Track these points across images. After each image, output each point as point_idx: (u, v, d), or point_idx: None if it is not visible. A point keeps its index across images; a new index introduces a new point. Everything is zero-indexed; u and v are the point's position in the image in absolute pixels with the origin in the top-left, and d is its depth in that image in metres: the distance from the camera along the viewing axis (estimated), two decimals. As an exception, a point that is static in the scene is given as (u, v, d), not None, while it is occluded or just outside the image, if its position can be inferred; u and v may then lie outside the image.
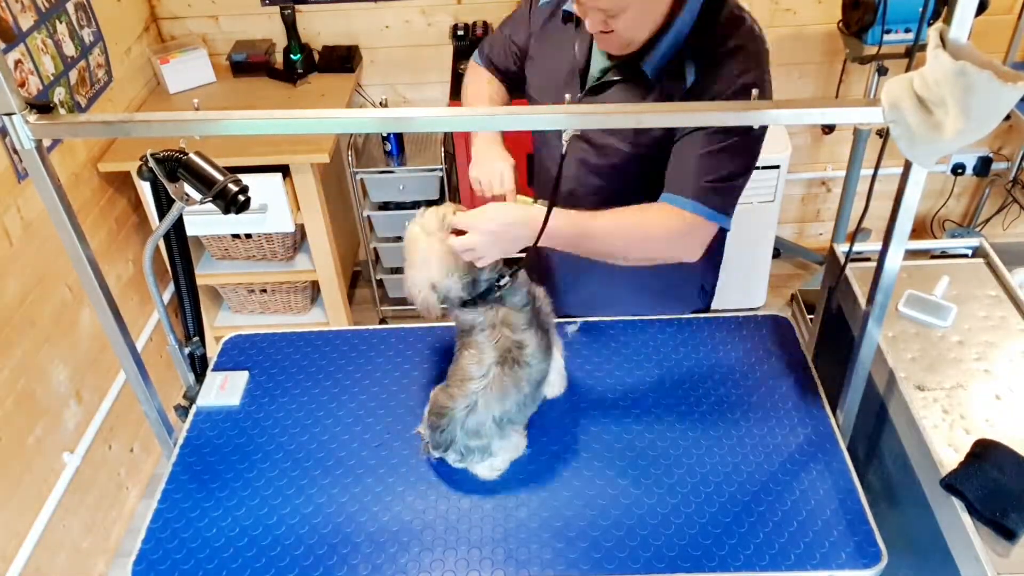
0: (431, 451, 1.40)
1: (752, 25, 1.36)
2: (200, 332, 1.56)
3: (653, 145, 1.40)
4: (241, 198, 1.19)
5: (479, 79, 1.68)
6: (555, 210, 1.26)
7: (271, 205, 2.47)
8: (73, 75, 2.29)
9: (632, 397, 1.52)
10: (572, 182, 1.53)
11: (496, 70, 1.66)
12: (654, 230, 1.36)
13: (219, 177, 1.18)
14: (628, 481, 1.37)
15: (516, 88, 1.66)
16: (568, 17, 1.47)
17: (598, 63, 1.45)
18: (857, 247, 1.51)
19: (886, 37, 2.42)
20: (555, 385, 1.50)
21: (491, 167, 1.48)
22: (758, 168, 2.97)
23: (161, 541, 1.32)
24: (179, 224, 1.40)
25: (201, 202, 1.19)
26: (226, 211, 1.20)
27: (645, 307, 1.69)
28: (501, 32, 1.64)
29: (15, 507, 1.98)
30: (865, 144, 2.76)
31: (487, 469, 1.38)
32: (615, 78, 1.41)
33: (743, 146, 1.34)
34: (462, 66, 2.70)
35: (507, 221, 1.31)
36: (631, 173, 1.47)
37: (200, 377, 1.60)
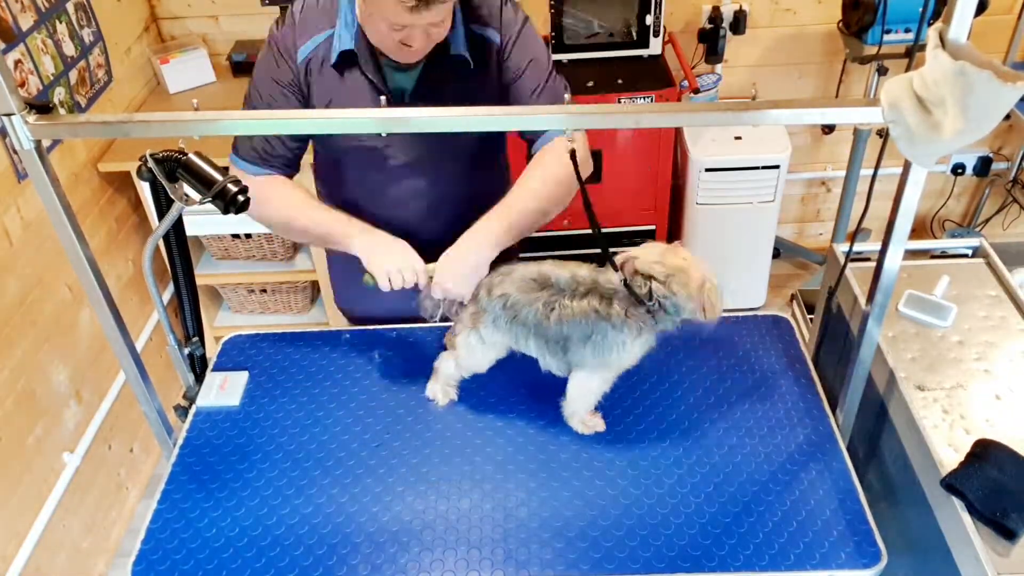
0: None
1: None
2: (200, 332, 1.56)
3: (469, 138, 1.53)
4: (240, 198, 1.19)
5: (280, 188, 1.52)
6: (487, 220, 1.44)
7: (271, 205, 2.47)
8: (73, 75, 2.29)
9: (632, 397, 1.52)
10: (418, 217, 1.58)
11: (271, 166, 1.51)
12: (562, 172, 1.45)
13: (218, 177, 1.18)
14: (628, 481, 1.37)
15: (290, 171, 1.56)
16: (342, 62, 1.42)
17: (404, 82, 1.45)
18: (857, 247, 1.51)
19: (886, 37, 2.43)
20: (568, 406, 1.45)
21: (394, 258, 1.44)
22: (758, 168, 2.98)
23: (161, 541, 1.32)
24: (179, 224, 1.40)
25: (200, 202, 1.19)
26: (225, 211, 1.20)
27: None
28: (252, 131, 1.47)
29: (15, 507, 1.98)
30: (865, 144, 2.76)
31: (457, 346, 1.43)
32: (427, 85, 1.44)
33: (550, 60, 1.52)
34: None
35: (466, 260, 1.42)
36: (459, 168, 1.59)
37: (200, 377, 1.60)
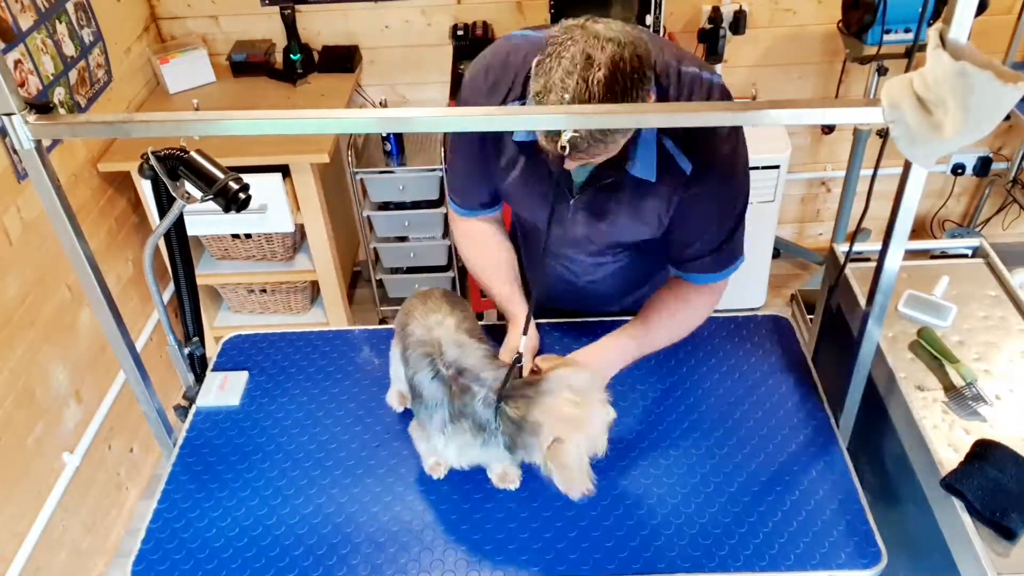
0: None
1: (700, 74, 1.28)
2: (200, 332, 1.56)
3: (631, 246, 1.48)
4: (242, 196, 1.19)
5: (488, 241, 1.57)
6: (618, 344, 1.43)
7: (271, 205, 2.47)
8: (73, 75, 2.29)
9: (632, 397, 1.52)
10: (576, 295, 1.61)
11: (490, 209, 1.55)
12: (700, 317, 1.51)
13: (220, 175, 1.18)
14: (628, 481, 1.37)
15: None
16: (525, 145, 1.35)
17: (579, 177, 1.36)
18: (857, 247, 1.51)
19: (886, 37, 2.43)
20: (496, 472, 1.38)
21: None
22: (758, 168, 2.98)
23: (161, 541, 1.32)
24: (179, 223, 1.40)
25: (202, 200, 1.19)
26: (227, 209, 1.20)
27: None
28: (474, 178, 1.50)
29: (15, 507, 1.98)
30: (865, 144, 2.76)
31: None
32: (605, 181, 1.33)
33: (740, 207, 1.39)
34: (462, 66, 2.70)
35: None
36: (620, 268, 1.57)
37: (200, 377, 1.60)
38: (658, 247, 1.47)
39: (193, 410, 1.55)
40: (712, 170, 1.30)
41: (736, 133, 1.31)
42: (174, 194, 1.23)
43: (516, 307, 1.51)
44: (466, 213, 1.56)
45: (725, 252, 1.41)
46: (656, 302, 1.48)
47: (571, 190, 1.38)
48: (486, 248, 1.58)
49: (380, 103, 2.96)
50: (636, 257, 1.55)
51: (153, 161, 1.18)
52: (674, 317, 1.48)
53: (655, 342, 1.48)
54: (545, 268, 1.60)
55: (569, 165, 1.26)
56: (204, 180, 1.19)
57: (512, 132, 1.36)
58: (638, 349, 1.46)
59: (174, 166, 1.19)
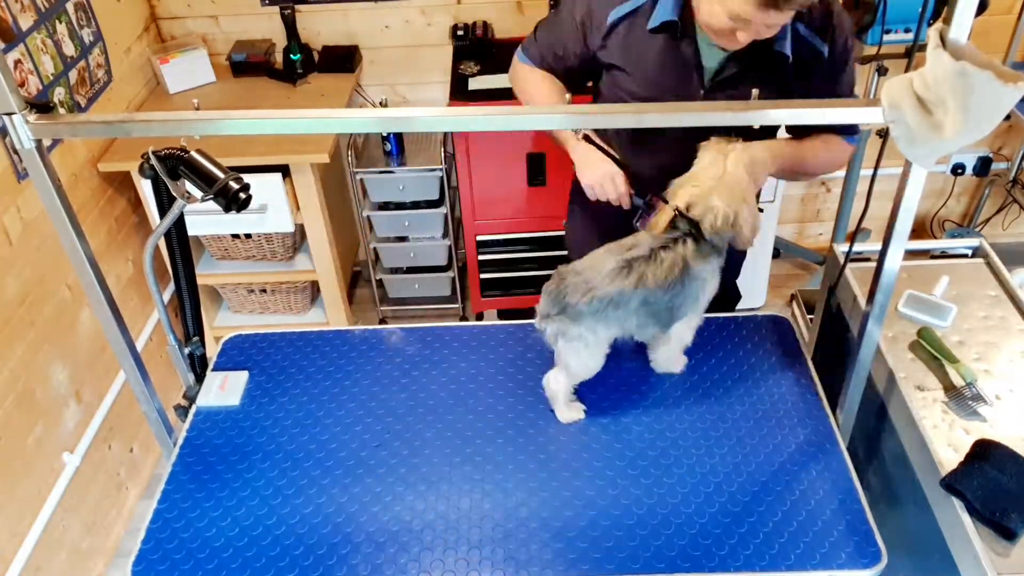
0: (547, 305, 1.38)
1: None
2: (200, 332, 1.56)
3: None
4: (242, 196, 1.19)
5: (538, 80, 1.64)
6: (779, 142, 1.50)
7: (271, 205, 2.47)
8: (73, 75, 2.29)
9: (632, 397, 1.52)
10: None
11: (551, 70, 1.64)
12: (836, 164, 1.63)
13: (220, 175, 1.18)
14: (628, 481, 1.37)
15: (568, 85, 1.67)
16: (660, 29, 1.47)
17: (712, 59, 1.48)
18: (857, 247, 1.51)
19: (886, 37, 2.42)
20: (672, 355, 1.53)
21: (602, 172, 1.53)
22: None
23: (161, 541, 1.32)
24: (180, 223, 1.40)
25: (202, 199, 1.19)
26: (227, 209, 1.20)
27: None
28: (548, 38, 1.62)
29: (15, 507, 1.98)
30: (865, 144, 2.75)
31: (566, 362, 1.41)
32: (736, 68, 1.46)
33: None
34: (462, 66, 2.70)
35: (767, 159, 1.46)
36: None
37: (200, 377, 1.60)
38: None
39: (193, 410, 1.55)
40: (844, 50, 1.47)
41: (840, 11, 1.48)
42: (174, 193, 1.23)
43: (576, 132, 1.55)
44: (532, 62, 1.64)
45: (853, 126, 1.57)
46: (807, 139, 1.58)
47: (700, 80, 1.49)
48: (546, 84, 1.63)
49: (380, 103, 2.96)
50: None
51: (153, 161, 1.18)
52: (822, 148, 1.57)
53: (803, 158, 1.55)
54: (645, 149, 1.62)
55: (735, 43, 1.38)
56: (204, 180, 1.19)
57: (635, 21, 1.49)
58: (789, 154, 1.52)
59: (174, 166, 1.19)
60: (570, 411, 1.48)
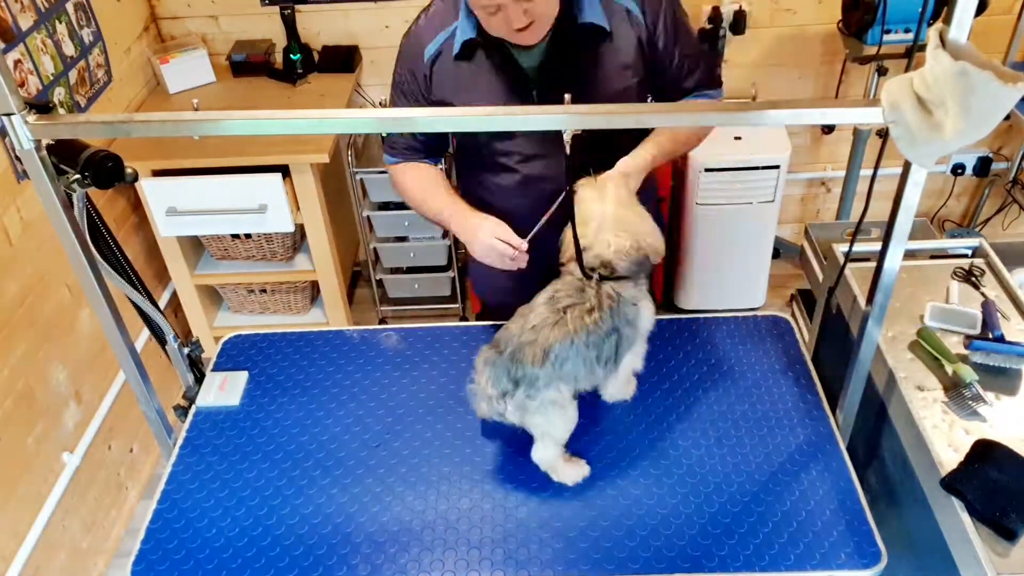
0: (486, 387, 1.31)
1: None
2: (160, 310, 1.47)
3: (624, 95, 1.48)
4: (108, 163, 1.14)
5: (419, 174, 1.62)
6: (647, 150, 1.47)
7: (271, 205, 2.47)
8: (73, 75, 2.29)
9: (632, 397, 1.52)
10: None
11: (416, 154, 1.62)
12: (707, 130, 1.59)
13: (87, 146, 1.13)
14: (627, 481, 1.37)
15: (435, 158, 1.65)
16: (464, 54, 1.44)
17: (529, 60, 1.44)
18: (857, 247, 1.51)
19: (886, 37, 2.43)
20: (621, 385, 1.48)
21: (484, 239, 1.46)
22: (758, 168, 2.98)
23: (161, 541, 1.32)
24: (88, 214, 1.28)
25: (81, 183, 1.14)
26: (99, 183, 1.14)
27: None
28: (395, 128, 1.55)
29: (15, 507, 1.98)
30: (865, 144, 2.76)
31: (533, 425, 1.33)
32: (557, 58, 1.43)
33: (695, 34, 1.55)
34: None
35: (637, 171, 1.46)
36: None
37: (196, 373, 1.60)
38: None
39: (193, 410, 1.55)
40: (658, 4, 1.44)
41: None
42: (68, 190, 1.17)
43: (453, 206, 1.54)
44: (396, 160, 1.62)
45: (712, 64, 1.55)
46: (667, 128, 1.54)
47: (527, 84, 1.45)
48: (420, 175, 1.61)
49: (380, 103, 2.96)
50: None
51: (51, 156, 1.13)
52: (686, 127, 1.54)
53: (673, 149, 1.53)
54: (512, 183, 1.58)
55: (526, 38, 1.35)
56: (73, 154, 1.14)
57: (443, 53, 1.46)
58: (657, 154, 1.49)
59: (64, 157, 1.14)
60: (574, 470, 1.39)
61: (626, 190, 1.39)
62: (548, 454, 1.36)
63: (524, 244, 1.43)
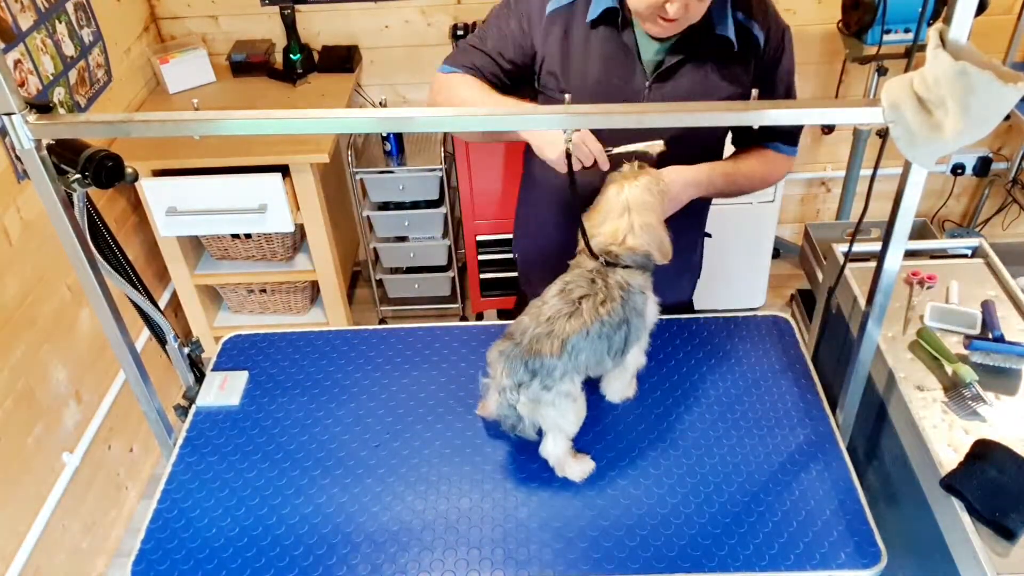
0: (501, 378, 1.30)
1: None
2: (161, 312, 1.47)
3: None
4: (108, 163, 1.15)
5: (464, 83, 1.54)
6: (704, 166, 1.50)
7: (271, 205, 2.47)
8: (73, 75, 2.29)
9: (634, 396, 1.52)
10: None
11: (482, 77, 1.55)
12: (774, 178, 1.65)
13: (88, 145, 1.13)
14: (627, 481, 1.37)
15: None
16: (601, 20, 1.45)
17: (652, 52, 1.47)
18: (857, 247, 1.51)
19: (886, 37, 2.43)
20: (626, 382, 1.49)
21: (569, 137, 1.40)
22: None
23: (160, 541, 1.32)
24: (89, 214, 1.29)
25: (81, 183, 1.14)
26: (99, 182, 1.14)
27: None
28: (479, 52, 1.54)
29: (14, 507, 1.98)
30: (865, 144, 2.76)
31: (547, 419, 1.33)
32: (679, 57, 1.45)
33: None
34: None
35: (686, 181, 1.48)
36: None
37: (199, 378, 1.60)
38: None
39: (193, 410, 1.55)
40: (781, 43, 1.51)
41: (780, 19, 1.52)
42: (68, 190, 1.18)
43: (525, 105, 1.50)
44: (460, 70, 1.54)
45: (796, 134, 1.61)
46: (743, 154, 1.61)
47: (643, 72, 1.47)
48: (478, 83, 1.53)
49: (380, 103, 2.96)
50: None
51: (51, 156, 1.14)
52: (758, 165, 1.60)
53: (736, 181, 1.56)
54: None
55: (666, 29, 1.38)
56: (73, 153, 1.14)
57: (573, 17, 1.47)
58: (720, 177, 1.53)
59: (64, 159, 1.15)
60: (581, 466, 1.39)
61: (657, 190, 1.39)
62: (559, 449, 1.36)
63: (601, 150, 1.42)
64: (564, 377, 1.28)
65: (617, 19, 1.45)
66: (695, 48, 1.45)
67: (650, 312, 1.39)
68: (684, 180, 1.47)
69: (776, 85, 1.53)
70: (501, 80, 1.56)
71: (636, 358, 1.45)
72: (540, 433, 1.37)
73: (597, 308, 1.29)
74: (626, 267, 1.33)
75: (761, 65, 1.49)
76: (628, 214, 1.34)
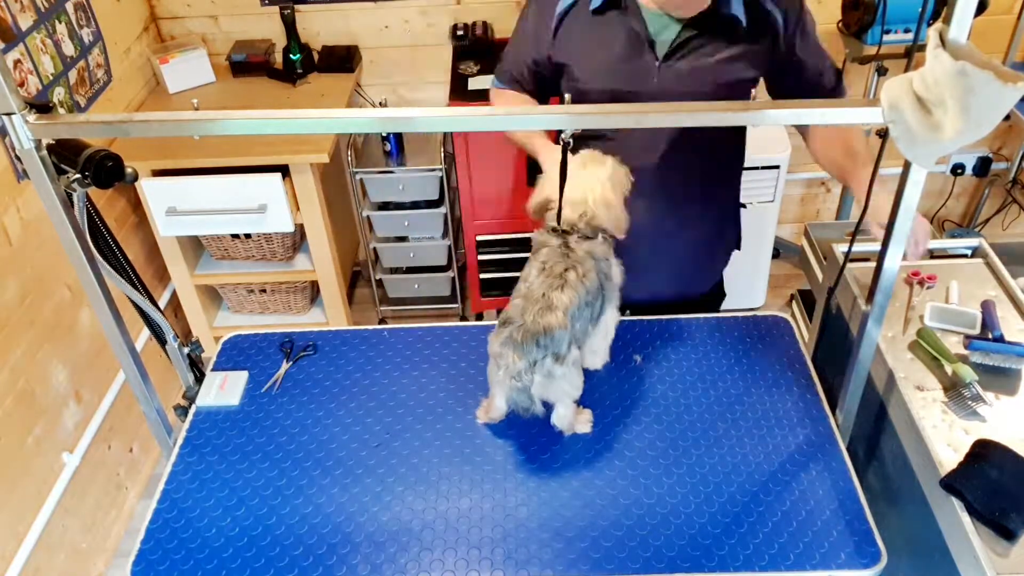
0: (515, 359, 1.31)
1: None
2: (162, 311, 1.48)
3: (736, 86, 1.52)
4: (109, 163, 1.15)
5: (508, 99, 1.68)
6: (859, 180, 1.47)
7: (271, 205, 2.47)
8: (72, 75, 2.29)
9: (631, 397, 1.52)
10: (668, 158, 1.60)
11: (522, 88, 1.66)
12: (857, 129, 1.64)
13: (87, 145, 1.14)
14: (627, 481, 1.37)
15: (540, 99, 1.68)
16: (604, 7, 1.49)
17: (662, 32, 1.49)
18: (857, 247, 1.51)
19: (885, 37, 2.43)
20: (599, 344, 1.51)
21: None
22: (757, 168, 2.99)
23: (160, 541, 1.32)
24: (89, 214, 1.29)
25: (81, 182, 1.14)
26: (99, 182, 1.15)
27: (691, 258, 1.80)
28: (512, 55, 1.65)
29: (14, 507, 1.98)
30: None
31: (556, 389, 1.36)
32: (689, 35, 1.48)
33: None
34: (462, 66, 2.70)
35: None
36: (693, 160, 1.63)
37: (199, 378, 1.60)
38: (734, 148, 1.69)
39: (193, 410, 1.55)
40: (800, 16, 1.51)
41: None
42: (68, 190, 1.18)
43: (544, 140, 1.58)
44: (505, 85, 1.66)
45: (840, 75, 1.64)
46: (839, 138, 1.61)
47: (653, 51, 1.50)
48: (516, 101, 1.65)
49: (380, 103, 2.96)
50: (705, 164, 1.65)
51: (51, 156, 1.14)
52: (860, 138, 1.60)
53: (862, 147, 1.58)
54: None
55: (689, 8, 1.42)
56: (73, 153, 1.14)
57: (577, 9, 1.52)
58: (866, 156, 1.54)
59: (63, 159, 1.15)
60: (587, 418, 1.48)
61: (614, 171, 1.44)
62: (569, 412, 1.43)
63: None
64: (571, 346, 1.34)
65: (620, 3, 1.48)
66: (705, 27, 1.47)
67: (615, 274, 1.46)
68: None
69: (803, 47, 1.54)
70: (542, 83, 1.65)
71: (612, 316, 1.50)
72: (546, 405, 1.40)
73: (580, 278, 1.34)
74: (587, 239, 1.39)
75: (783, 40, 1.51)
76: (591, 192, 1.40)
